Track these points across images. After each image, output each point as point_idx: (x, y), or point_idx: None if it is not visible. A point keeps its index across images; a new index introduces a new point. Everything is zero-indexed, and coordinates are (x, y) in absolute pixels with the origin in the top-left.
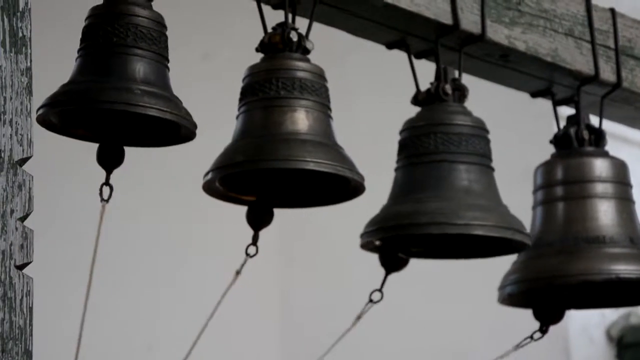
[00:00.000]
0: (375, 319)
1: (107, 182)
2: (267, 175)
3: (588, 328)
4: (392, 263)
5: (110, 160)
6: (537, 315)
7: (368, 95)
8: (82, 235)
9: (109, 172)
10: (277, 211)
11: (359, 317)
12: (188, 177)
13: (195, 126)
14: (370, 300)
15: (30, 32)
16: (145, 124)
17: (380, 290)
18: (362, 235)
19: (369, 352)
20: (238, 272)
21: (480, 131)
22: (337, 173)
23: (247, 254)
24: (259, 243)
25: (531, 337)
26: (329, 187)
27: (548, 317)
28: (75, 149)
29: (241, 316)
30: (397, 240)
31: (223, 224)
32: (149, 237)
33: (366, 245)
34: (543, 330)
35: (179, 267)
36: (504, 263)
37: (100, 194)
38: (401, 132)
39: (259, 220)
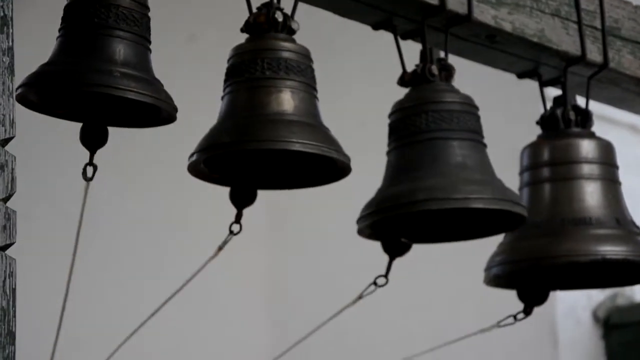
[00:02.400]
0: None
1: (90, 162)
2: (253, 157)
3: (575, 309)
4: (395, 248)
5: (93, 140)
6: (521, 296)
7: (354, 76)
8: (66, 216)
9: (92, 152)
10: (264, 191)
11: (359, 297)
12: (173, 159)
13: (175, 109)
14: (375, 284)
15: (12, 11)
16: (126, 106)
17: (385, 276)
18: (358, 220)
19: (351, 332)
20: (221, 248)
21: (470, 107)
22: (323, 154)
23: (230, 232)
24: (247, 222)
25: (514, 317)
26: (315, 168)
27: (532, 298)
28: (59, 129)
29: (229, 297)
30: (393, 224)
31: (209, 204)
32: (134, 218)
33: (364, 231)
34: (527, 311)
35: (164, 247)
36: (490, 244)
37: (84, 173)
38: (390, 115)
39: (241, 199)
